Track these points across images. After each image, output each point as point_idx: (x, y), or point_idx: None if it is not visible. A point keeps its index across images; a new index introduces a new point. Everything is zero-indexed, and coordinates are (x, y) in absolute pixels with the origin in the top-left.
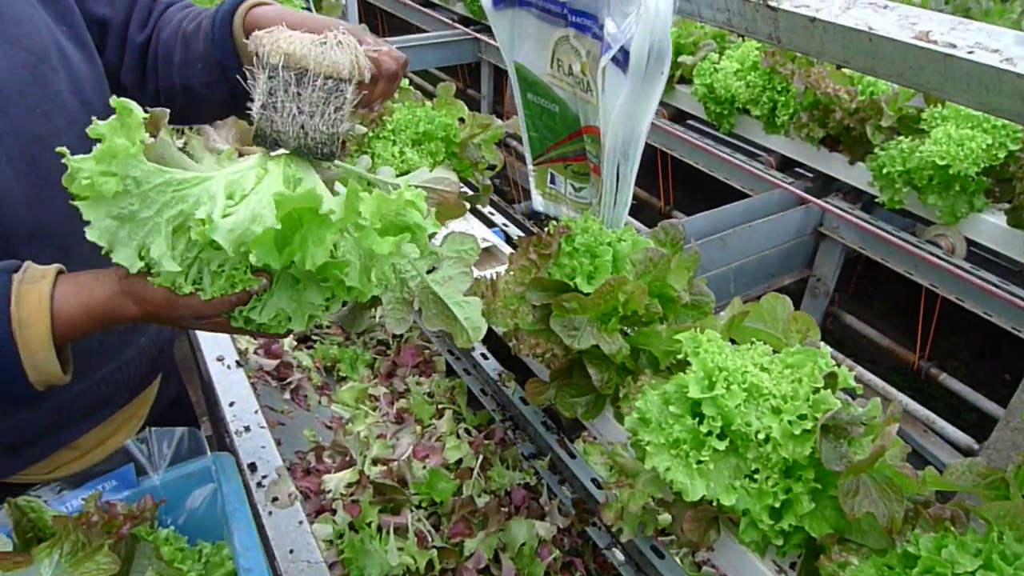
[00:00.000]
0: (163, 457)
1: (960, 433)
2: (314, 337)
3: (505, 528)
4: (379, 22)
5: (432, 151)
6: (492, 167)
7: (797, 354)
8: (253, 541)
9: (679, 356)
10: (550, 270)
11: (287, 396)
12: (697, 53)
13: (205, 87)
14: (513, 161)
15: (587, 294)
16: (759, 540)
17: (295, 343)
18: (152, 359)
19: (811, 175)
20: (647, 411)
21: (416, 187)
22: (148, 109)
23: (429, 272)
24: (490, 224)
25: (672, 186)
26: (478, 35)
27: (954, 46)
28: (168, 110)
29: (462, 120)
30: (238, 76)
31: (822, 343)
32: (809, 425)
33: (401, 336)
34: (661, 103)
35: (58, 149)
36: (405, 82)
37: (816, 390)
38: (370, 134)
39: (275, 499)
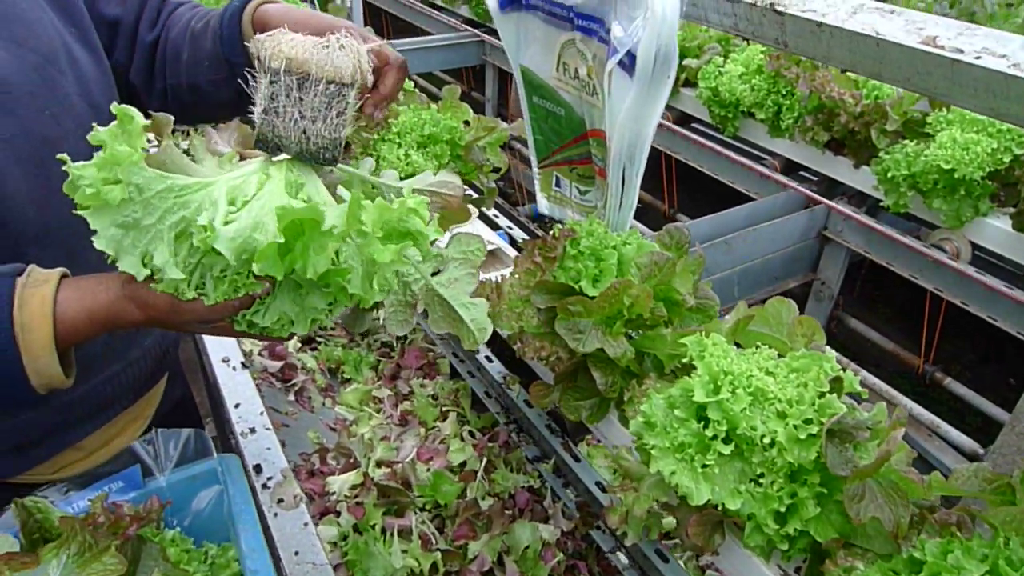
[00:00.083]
0: (169, 458)
1: (965, 437)
2: (318, 339)
3: (509, 531)
4: (384, 24)
5: (437, 154)
6: (497, 170)
7: (802, 358)
8: (259, 543)
9: (684, 360)
10: (555, 273)
11: (291, 398)
12: (702, 56)
13: (212, 85)
14: (517, 164)
15: (592, 297)
16: (764, 544)
17: (299, 345)
18: (157, 360)
19: (816, 179)
20: (652, 415)
21: (419, 191)
22: (151, 114)
23: (434, 274)
24: (495, 227)
25: (676, 189)
26: (483, 37)
27: (961, 51)
28: (171, 116)
29: (467, 123)
30: (246, 73)
31: (827, 347)
32: (814, 429)
33: (405, 338)
34: (666, 106)
35: (59, 156)
36: (410, 84)
37: (822, 394)
38: (375, 136)
39: (280, 501)
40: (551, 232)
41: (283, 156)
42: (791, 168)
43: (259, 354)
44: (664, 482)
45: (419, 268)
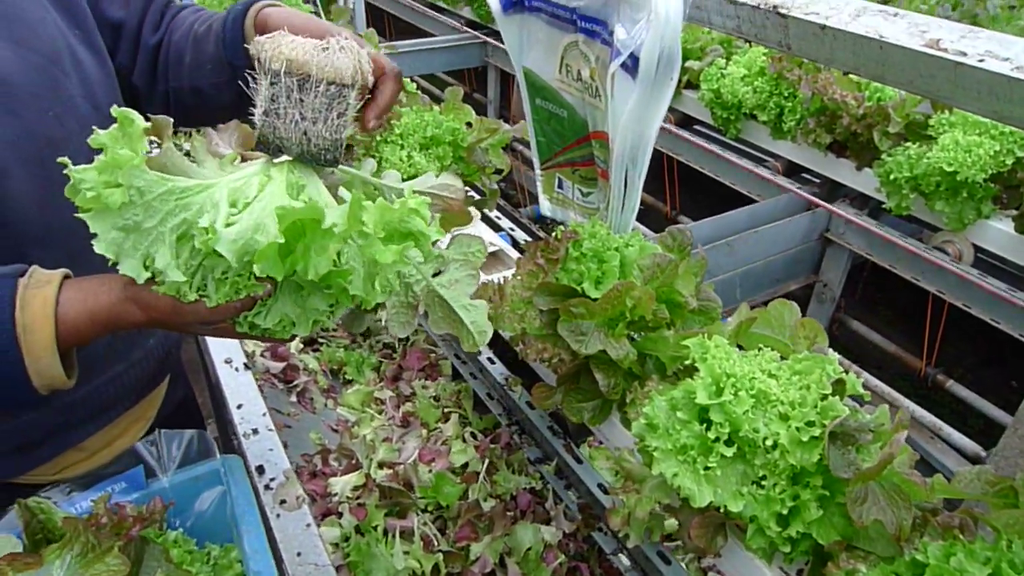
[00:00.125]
0: (172, 459)
1: (967, 440)
2: (320, 340)
3: (511, 532)
4: (386, 26)
5: (440, 155)
6: (499, 171)
7: (805, 361)
8: (262, 544)
9: (686, 362)
10: (557, 275)
11: (293, 399)
12: (704, 58)
13: (214, 88)
14: (519, 165)
15: (594, 299)
16: (766, 547)
17: (301, 346)
18: (160, 361)
19: (818, 181)
20: (654, 417)
21: (421, 193)
22: (151, 117)
23: (435, 275)
24: (497, 228)
25: (678, 191)
26: (485, 39)
27: (964, 54)
28: (171, 118)
29: (469, 124)
30: (248, 76)
31: (830, 350)
32: (817, 432)
33: (407, 340)
34: (668, 108)
35: (60, 160)
36: (412, 86)
37: (824, 397)
38: (378, 138)
39: (283, 502)
40: (553, 234)
41: (284, 158)
42: (793, 170)
43: (261, 355)
44: (666, 484)
45: (420, 269)
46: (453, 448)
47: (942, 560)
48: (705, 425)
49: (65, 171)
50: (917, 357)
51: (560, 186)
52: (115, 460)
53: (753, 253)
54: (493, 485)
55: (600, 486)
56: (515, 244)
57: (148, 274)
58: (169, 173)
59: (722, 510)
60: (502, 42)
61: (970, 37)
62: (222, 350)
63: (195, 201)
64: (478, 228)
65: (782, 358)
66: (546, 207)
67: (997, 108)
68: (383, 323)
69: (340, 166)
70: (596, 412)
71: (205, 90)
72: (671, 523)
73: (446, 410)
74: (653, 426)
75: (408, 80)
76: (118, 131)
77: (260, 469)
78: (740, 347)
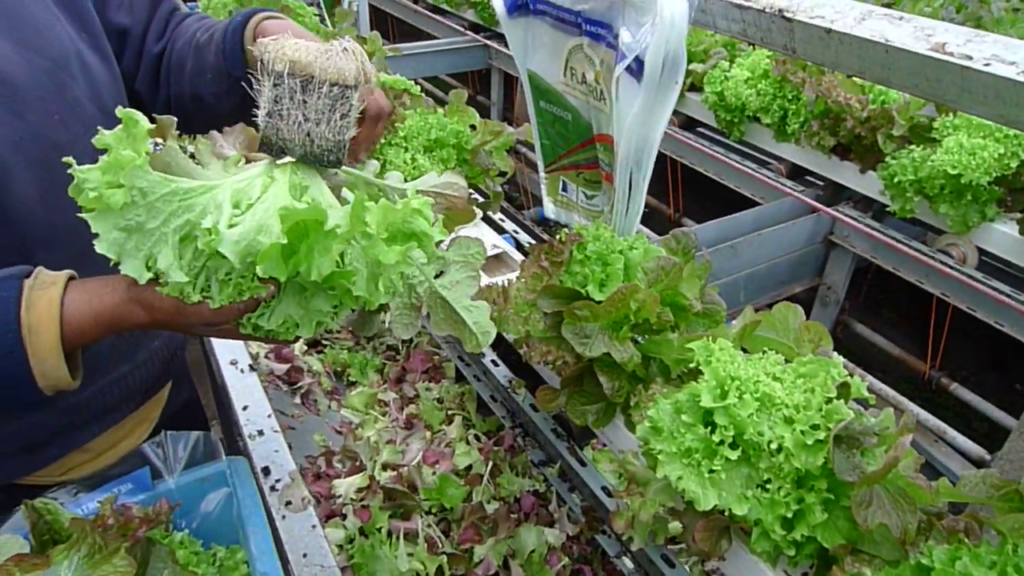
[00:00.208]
0: (178, 460)
1: (972, 443)
2: (324, 342)
3: (515, 535)
4: (390, 29)
5: (444, 158)
6: (503, 174)
7: (810, 364)
8: (269, 545)
9: (690, 365)
10: (562, 278)
11: (297, 400)
12: (708, 61)
13: (214, 97)
14: (522, 167)
15: (599, 302)
16: (771, 550)
17: (305, 348)
18: (164, 363)
19: (822, 183)
20: (659, 420)
21: (424, 192)
22: (155, 117)
23: (436, 277)
24: (501, 231)
25: (682, 194)
26: (488, 42)
27: (970, 58)
28: (175, 118)
29: (473, 127)
30: (247, 86)
31: (834, 353)
32: (822, 435)
33: (410, 341)
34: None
35: (65, 159)
36: (416, 88)
37: (829, 400)
38: (382, 140)
39: (288, 503)
40: (558, 236)
41: (287, 159)
42: (797, 173)
43: (265, 357)
44: (671, 487)
45: (423, 270)
46: (457, 450)
47: (947, 564)
48: (710, 428)
49: (69, 171)
50: (921, 360)
51: (564, 189)
52: (120, 461)
53: (757, 256)
54: (497, 487)
55: (604, 489)
56: (519, 247)
57: (150, 275)
58: (173, 174)
59: (726, 513)
60: (505, 45)
61: (976, 41)
62: (227, 351)
63: (198, 202)
64: (481, 230)
65: (786, 361)
66: (550, 210)
67: (1003, 112)
68: (387, 324)
69: (343, 167)
70: (600, 415)
71: (205, 98)
72: (675, 526)
73: (450, 412)
74: (657, 429)
75: (412, 83)
76: (122, 132)
77: (266, 470)
78: (744, 350)
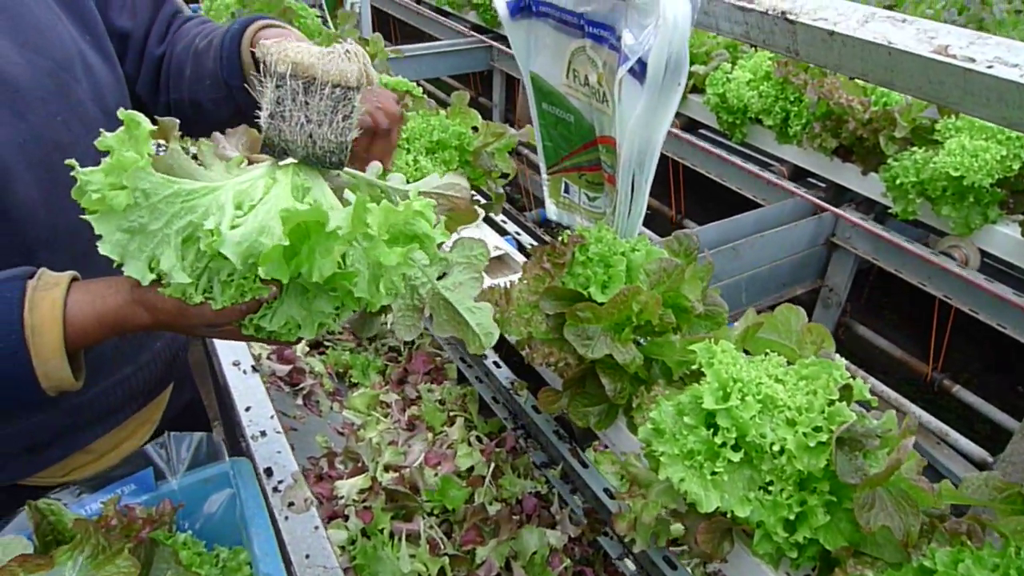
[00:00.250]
0: (181, 461)
1: (974, 446)
2: (326, 343)
3: (516, 536)
4: (392, 30)
5: (446, 159)
6: (505, 176)
7: (812, 366)
8: (272, 547)
9: (693, 367)
10: (564, 279)
11: (299, 401)
12: (710, 63)
13: (212, 103)
14: (524, 169)
15: (601, 304)
16: (773, 552)
17: (307, 349)
18: (167, 364)
19: (824, 185)
20: (661, 422)
21: (426, 194)
22: (158, 119)
23: (439, 278)
24: (503, 232)
25: (684, 195)
26: (491, 43)
27: (973, 60)
28: (178, 120)
29: (476, 129)
30: (243, 94)
31: (836, 355)
32: (824, 437)
33: (412, 343)
34: None
35: (68, 161)
36: (418, 90)
37: (831, 402)
38: None
39: (291, 504)
40: (560, 238)
41: (289, 160)
42: (799, 175)
43: (267, 358)
44: (673, 489)
45: (426, 272)
46: (459, 452)
47: (950, 566)
48: (712, 430)
49: (72, 173)
50: (923, 362)
51: (567, 190)
52: (122, 462)
53: (759, 257)
54: (499, 489)
55: (606, 491)
56: (521, 248)
57: (153, 276)
58: (175, 175)
59: (729, 515)
60: (508, 46)
61: (979, 43)
62: (230, 352)
63: (201, 203)
64: (483, 232)
65: (789, 363)
66: (552, 211)
67: (1006, 114)
68: (389, 326)
69: (345, 169)
70: (602, 416)
71: (204, 104)
72: (677, 528)
73: (452, 414)
74: (660, 431)
75: (414, 84)
76: (125, 134)
77: (268, 471)
78: (747, 352)
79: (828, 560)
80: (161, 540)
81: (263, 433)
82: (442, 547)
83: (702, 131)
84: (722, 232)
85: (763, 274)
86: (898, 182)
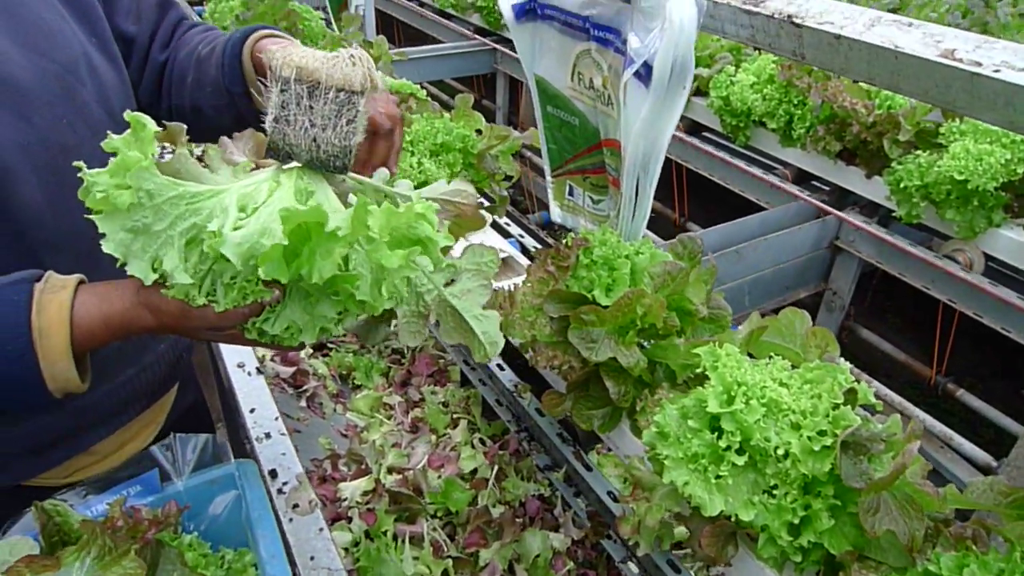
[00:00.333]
0: (187, 463)
1: (978, 450)
2: (330, 345)
3: (520, 539)
4: (396, 33)
5: (450, 162)
6: (509, 178)
7: (816, 369)
8: (278, 548)
9: (697, 370)
10: (568, 282)
11: (303, 404)
12: (713, 66)
13: (214, 110)
14: (528, 172)
15: (605, 307)
16: (777, 556)
17: (311, 351)
18: (171, 365)
19: (827, 188)
20: (665, 425)
21: (433, 200)
22: (165, 123)
23: (447, 285)
24: (506, 235)
25: (687, 198)
26: (495, 46)
27: (980, 64)
28: (184, 125)
29: (480, 131)
30: (244, 101)
31: (841, 359)
32: (829, 441)
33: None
34: None
35: (75, 163)
36: (422, 93)
37: (836, 406)
38: None
39: (296, 506)
40: (564, 241)
41: (294, 164)
42: (803, 178)
43: (271, 360)
44: (677, 492)
45: (432, 278)
46: (462, 454)
47: (955, 571)
48: (716, 434)
49: (79, 175)
50: (927, 366)
51: (571, 193)
52: (126, 464)
53: (762, 261)
54: (502, 491)
55: (609, 494)
56: (524, 251)
57: (155, 276)
58: (181, 178)
59: (733, 519)
60: (511, 49)
61: (985, 47)
62: (234, 355)
63: (205, 206)
64: (487, 235)
65: (793, 367)
66: (557, 214)
67: (1013, 118)
68: (392, 328)
69: (351, 174)
70: (606, 420)
71: (205, 111)
72: (681, 531)
73: (455, 416)
74: (664, 434)
75: (418, 87)
76: (130, 135)
77: (273, 473)
78: (751, 355)
79: (832, 564)
80: (167, 541)
81: (268, 435)
82: (445, 549)
83: (706, 134)
84: (725, 235)
85: (766, 277)
86: (902, 185)
